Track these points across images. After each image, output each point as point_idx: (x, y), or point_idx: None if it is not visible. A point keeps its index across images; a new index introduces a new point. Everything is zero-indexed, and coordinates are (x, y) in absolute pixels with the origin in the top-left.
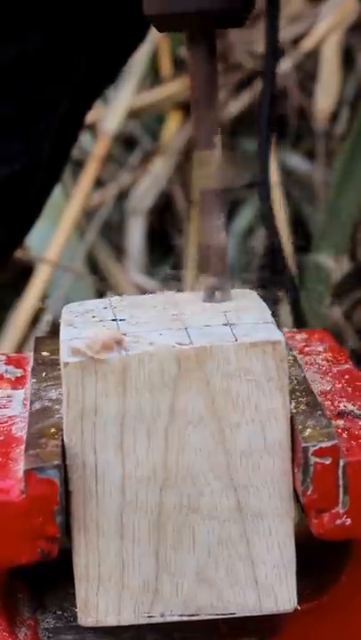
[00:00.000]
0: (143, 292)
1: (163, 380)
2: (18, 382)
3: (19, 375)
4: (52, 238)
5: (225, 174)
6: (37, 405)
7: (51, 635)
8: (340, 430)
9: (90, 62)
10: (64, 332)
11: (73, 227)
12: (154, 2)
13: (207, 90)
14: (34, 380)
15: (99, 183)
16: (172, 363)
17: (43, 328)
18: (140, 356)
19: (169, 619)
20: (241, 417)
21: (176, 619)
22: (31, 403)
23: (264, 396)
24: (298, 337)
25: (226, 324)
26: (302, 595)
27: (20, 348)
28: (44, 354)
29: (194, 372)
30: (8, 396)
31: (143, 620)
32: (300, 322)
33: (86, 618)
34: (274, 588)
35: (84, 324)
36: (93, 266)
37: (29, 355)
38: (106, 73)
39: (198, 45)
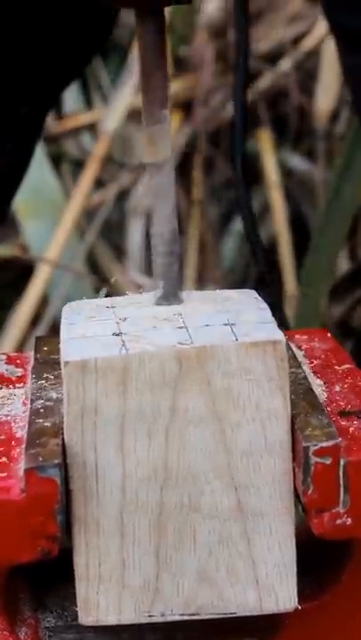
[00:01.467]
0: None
1: (163, 380)
2: (18, 381)
3: (19, 374)
4: (52, 238)
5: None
6: (38, 404)
7: (51, 633)
8: (340, 430)
9: (50, 65)
10: (64, 331)
11: (73, 227)
12: None
13: (156, 62)
14: (34, 380)
15: (99, 183)
16: (173, 362)
17: (43, 328)
18: (140, 356)
19: (169, 618)
20: (242, 416)
21: (177, 618)
22: (31, 402)
23: (265, 396)
24: (298, 337)
25: (226, 324)
26: (303, 594)
27: (20, 347)
28: (45, 353)
29: (195, 372)
30: (8, 396)
31: (144, 620)
32: (282, 325)
33: (87, 617)
34: (275, 588)
35: (84, 323)
36: (93, 266)
37: (30, 354)
38: (66, 76)
39: (148, 19)
